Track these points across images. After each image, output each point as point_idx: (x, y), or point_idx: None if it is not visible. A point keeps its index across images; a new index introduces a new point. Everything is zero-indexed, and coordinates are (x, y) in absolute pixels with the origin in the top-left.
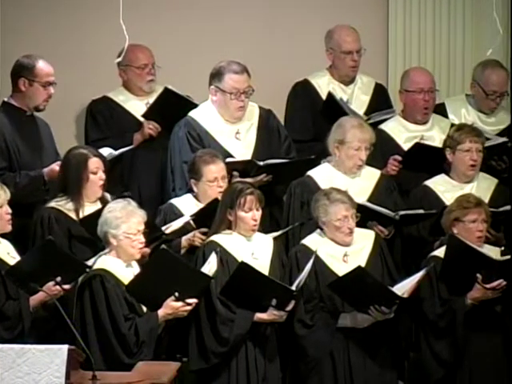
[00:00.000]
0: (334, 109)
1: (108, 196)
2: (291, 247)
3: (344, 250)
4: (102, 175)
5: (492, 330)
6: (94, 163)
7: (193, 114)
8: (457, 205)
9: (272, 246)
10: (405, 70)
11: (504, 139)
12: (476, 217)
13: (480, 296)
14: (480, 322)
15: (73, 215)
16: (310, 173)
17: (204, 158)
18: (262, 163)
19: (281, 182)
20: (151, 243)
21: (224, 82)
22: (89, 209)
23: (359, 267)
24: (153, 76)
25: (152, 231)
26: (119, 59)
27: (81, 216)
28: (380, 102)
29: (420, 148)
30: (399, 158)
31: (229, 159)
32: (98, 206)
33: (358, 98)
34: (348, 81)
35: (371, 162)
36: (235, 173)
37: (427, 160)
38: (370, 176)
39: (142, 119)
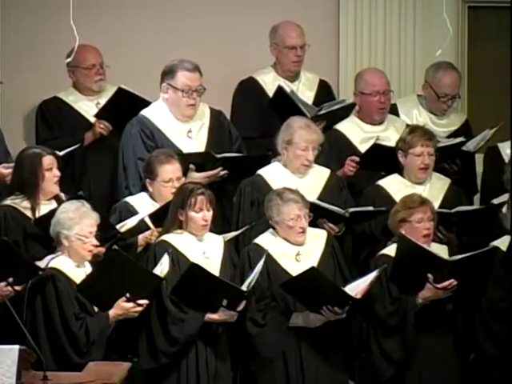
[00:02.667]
0: (284, 102)
1: (63, 196)
2: (241, 247)
3: (296, 250)
4: (56, 172)
5: (442, 329)
6: (48, 161)
7: (145, 112)
8: (402, 205)
9: (223, 246)
10: (359, 72)
11: (460, 139)
12: (421, 216)
13: (431, 295)
14: (430, 321)
15: (29, 213)
16: (260, 172)
17: (160, 158)
18: (219, 156)
19: (235, 179)
20: (106, 242)
21: (176, 79)
22: (45, 208)
23: (313, 268)
24: (101, 76)
25: (106, 230)
26: (69, 60)
27: (37, 215)
28: (325, 97)
29: (377, 148)
30: (356, 158)
31: (186, 151)
32: (54, 205)
33: (302, 94)
34: (292, 77)
35: (326, 161)
36: (192, 166)
37: (384, 160)
38: (320, 175)
39: (92, 119)
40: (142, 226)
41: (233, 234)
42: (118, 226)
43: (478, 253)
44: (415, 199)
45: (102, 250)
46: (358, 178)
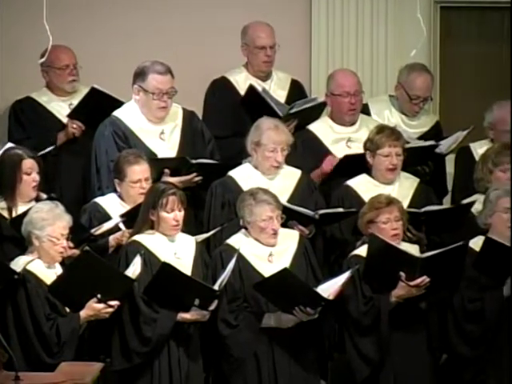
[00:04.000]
0: (256, 101)
1: (44, 196)
2: (213, 247)
3: (269, 250)
4: (35, 176)
5: (416, 328)
6: (28, 164)
7: (117, 113)
8: (369, 207)
9: (194, 246)
10: (330, 73)
11: (430, 143)
12: (388, 216)
13: (404, 293)
14: (404, 320)
15: (5, 214)
16: (231, 173)
17: (128, 159)
18: (194, 161)
19: (209, 185)
20: (80, 245)
21: (147, 81)
22: (22, 208)
23: (285, 269)
24: (74, 76)
25: (79, 232)
26: (42, 60)
27: (14, 215)
28: (297, 97)
29: (348, 159)
30: (336, 159)
31: (161, 156)
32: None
33: (275, 93)
34: (264, 76)
35: (300, 162)
36: (167, 170)
37: (355, 166)
38: (291, 176)
39: (65, 120)
40: (112, 227)
41: (205, 235)
42: (93, 230)
43: (449, 249)
44: (381, 200)
45: (76, 252)
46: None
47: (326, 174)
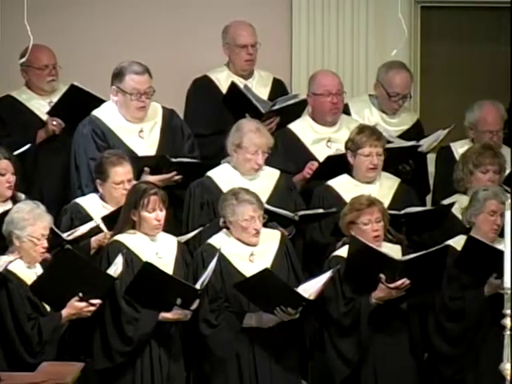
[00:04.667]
0: (238, 98)
1: (22, 196)
2: (193, 247)
3: (250, 250)
4: (9, 177)
5: (397, 328)
6: (2, 165)
7: (96, 112)
8: (350, 208)
9: (176, 246)
10: (312, 74)
11: (412, 143)
12: (369, 217)
13: (384, 295)
14: (385, 320)
15: None
16: (210, 173)
17: (111, 160)
18: (174, 160)
19: (188, 184)
20: (52, 249)
21: (125, 82)
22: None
23: (266, 269)
24: (54, 76)
25: (52, 237)
26: (23, 60)
27: None
28: (279, 95)
29: (330, 160)
30: (315, 165)
31: (141, 154)
32: (10, 205)
33: (257, 91)
34: (246, 75)
35: (279, 161)
36: (146, 169)
37: (337, 166)
38: (270, 176)
39: (45, 117)
40: (94, 231)
41: (188, 235)
42: (68, 233)
43: (430, 251)
44: (362, 201)
45: (48, 256)
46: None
47: (306, 179)
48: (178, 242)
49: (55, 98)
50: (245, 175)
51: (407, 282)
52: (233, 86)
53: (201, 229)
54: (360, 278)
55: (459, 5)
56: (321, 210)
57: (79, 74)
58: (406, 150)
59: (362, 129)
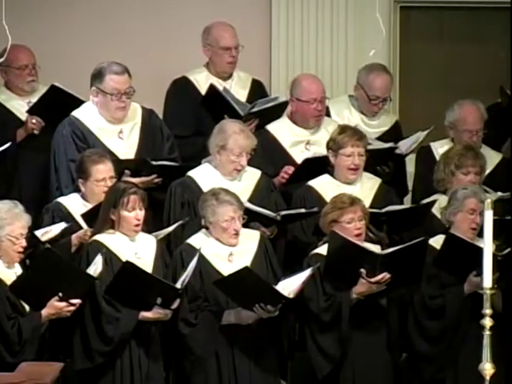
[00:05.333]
0: (217, 100)
1: None
2: (173, 247)
3: (229, 250)
4: None
5: (376, 325)
6: None
7: (76, 113)
8: (332, 207)
9: (155, 246)
10: (295, 77)
11: (390, 145)
12: (352, 216)
13: (365, 290)
14: (365, 317)
15: None
16: (191, 173)
17: (92, 158)
18: (155, 163)
19: (167, 186)
20: (26, 250)
21: (105, 82)
22: None
23: (246, 268)
24: (33, 76)
25: (31, 237)
26: (1, 60)
27: None
28: (258, 96)
29: (308, 162)
30: (291, 169)
31: (121, 155)
32: None
33: (236, 92)
34: (226, 77)
35: (259, 162)
36: (127, 171)
37: (316, 168)
38: (250, 176)
39: (24, 117)
40: (73, 227)
41: (165, 231)
42: (42, 232)
43: (409, 245)
44: (345, 200)
45: (22, 256)
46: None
47: (282, 183)
48: (158, 242)
49: (34, 99)
50: (226, 176)
51: (388, 276)
52: (211, 88)
53: (176, 225)
54: (340, 273)
55: (438, 5)
56: (303, 210)
57: (58, 74)
58: (384, 152)
59: (344, 128)
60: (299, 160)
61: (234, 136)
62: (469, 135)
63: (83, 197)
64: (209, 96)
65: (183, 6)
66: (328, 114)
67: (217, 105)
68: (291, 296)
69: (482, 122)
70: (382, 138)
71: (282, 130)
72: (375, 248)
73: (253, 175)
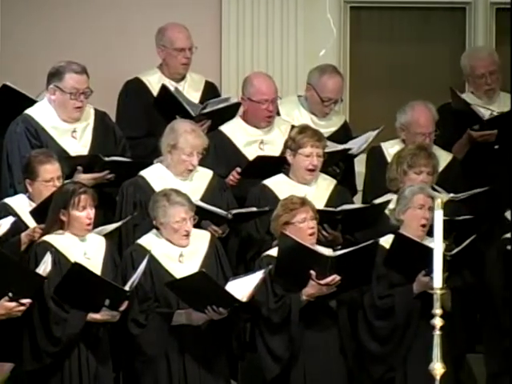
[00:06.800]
0: (169, 101)
1: None
2: (125, 248)
3: (179, 251)
4: None
5: (327, 326)
6: None
7: (29, 111)
8: (283, 209)
9: (105, 246)
10: (247, 76)
11: (344, 147)
12: (304, 216)
13: (315, 292)
14: (316, 318)
15: None
16: (143, 173)
17: (39, 158)
18: (107, 159)
19: (120, 182)
20: None
21: (64, 81)
22: None
23: (202, 272)
24: None
25: None
26: None
27: None
28: (211, 98)
29: (260, 160)
30: (239, 170)
31: (73, 153)
32: None
33: (188, 94)
34: (179, 78)
35: (212, 163)
36: (79, 167)
37: (268, 168)
38: (202, 176)
39: None
40: (21, 226)
41: (110, 226)
42: None
43: (359, 247)
44: (295, 201)
45: None
46: (243, 181)
47: (231, 184)
48: (107, 242)
49: None
50: (178, 176)
51: (337, 278)
52: (163, 89)
53: (121, 223)
54: (291, 275)
55: (388, 5)
56: (254, 209)
57: (12, 74)
58: (338, 153)
59: (304, 129)
60: None
61: (185, 135)
62: (421, 137)
63: (30, 198)
64: (161, 97)
65: (135, 7)
66: (277, 114)
67: (169, 106)
68: (244, 300)
69: (433, 123)
70: (332, 137)
71: (236, 130)
72: (325, 250)
73: (205, 175)
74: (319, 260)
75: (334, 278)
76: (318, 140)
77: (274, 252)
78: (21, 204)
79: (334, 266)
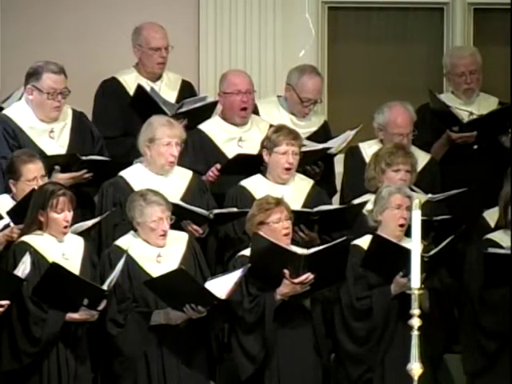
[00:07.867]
0: (145, 101)
1: None
2: (105, 248)
3: (157, 251)
4: None
5: (302, 326)
6: None
7: (7, 111)
8: (258, 209)
9: (83, 247)
10: (222, 73)
11: (323, 146)
12: (279, 216)
13: (289, 291)
14: (290, 317)
15: None
16: (122, 173)
17: (22, 158)
18: (84, 158)
19: (99, 182)
20: None
21: (41, 81)
22: None
23: (180, 269)
24: None
25: None
26: None
27: None
28: (187, 97)
29: (240, 158)
30: (219, 166)
31: (50, 152)
32: None
33: (165, 94)
34: (155, 77)
35: (191, 162)
36: (57, 167)
37: (247, 166)
38: (183, 176)
39: None
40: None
41: (87, 223)
42: None
43: (332, 245)
44: (270, 201)
45: None
46: (221, 180)
47: (210, 181)
48: (85, 243)
49: None
50: (158, 173)
51: (311, 276)
52: (139, 88)
53: (99, 218)
54: (265, 275)
55: (366, 5)
56: (235, 209)
57: None
58: (317, 153)
59: (280, 128)
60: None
61: (161, 127)
62: (399, 138)
63: (14, 198)
64: (137, 97)
65: (112, 6)
66: (257, 115)
67: (145, 105)
68: (223, 297)
69: (412, 124)
70: (311, 137)
71: (214, 127)
72: (298, 249)
73: (185, 175)
74: (292, 259)
75: (308, 276)
76: (294, 138)
77: (248, 252)
78: (4, 204)
79: (307, 265)
